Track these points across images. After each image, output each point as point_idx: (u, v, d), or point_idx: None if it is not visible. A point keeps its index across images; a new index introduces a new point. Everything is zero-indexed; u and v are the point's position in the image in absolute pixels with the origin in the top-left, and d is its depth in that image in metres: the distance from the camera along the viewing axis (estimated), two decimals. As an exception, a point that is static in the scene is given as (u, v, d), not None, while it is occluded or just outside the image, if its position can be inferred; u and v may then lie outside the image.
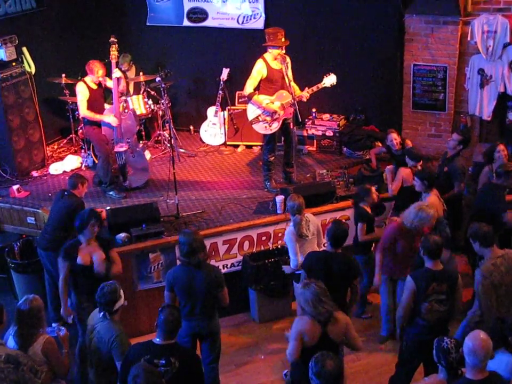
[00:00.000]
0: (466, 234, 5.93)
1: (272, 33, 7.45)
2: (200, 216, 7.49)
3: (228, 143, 9.66)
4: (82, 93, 7.79)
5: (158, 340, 4.54)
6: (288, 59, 7.55)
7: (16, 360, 4.42)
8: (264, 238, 7.39)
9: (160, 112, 9.45)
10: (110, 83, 7.93)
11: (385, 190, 7.44)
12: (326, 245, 6.06)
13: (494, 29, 7.90)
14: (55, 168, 8.93)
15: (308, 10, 9.11)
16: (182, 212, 7.50)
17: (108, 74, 7.91)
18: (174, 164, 7.47)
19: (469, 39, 8.14)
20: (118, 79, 7.85)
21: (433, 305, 5.21)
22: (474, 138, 8.53)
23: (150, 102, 9.36)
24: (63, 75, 9.23)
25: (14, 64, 8.60)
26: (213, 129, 9.72)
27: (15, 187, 8.20)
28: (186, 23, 9.87)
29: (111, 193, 8.08)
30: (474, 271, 5.62)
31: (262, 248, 7.40)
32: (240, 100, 9.64)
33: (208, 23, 9.76)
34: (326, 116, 9.28)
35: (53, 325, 6.68)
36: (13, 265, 7.54)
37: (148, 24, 10.05)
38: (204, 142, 9.85)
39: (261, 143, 8.94)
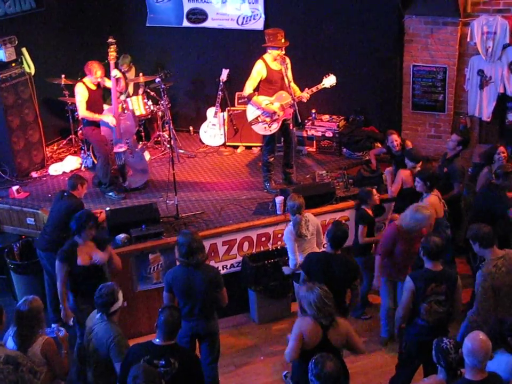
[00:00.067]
0: (465, 235, 5.93)
1: (272, 34, 7.45)
2: (200, 217, 7.49)
3: (227, 144, 9.66)
4: (81, 93, 7.79)
5: (158, 340, 4.54)
6: (287, 60, 7.55)
7: (16, 361, 4.41)
8: (263, 238, 7.39)
9: (160, 113, 9.45)
10: (109, 83, 7.92)
11: (385, 191, 7.45)
12: (325, 246, 6.06)
13: (494, 30, 7.90)
14: (55, 169, 8.93)
15: (307, 11, 9.11)
16: (182, 213, 7.50)
17: (107, 75, 7.91)
18: (174, 164, 7.47)
19: (468, 40, 8.15)
20: (117, 79, 7.85)
21: (432, 306, 5.21)
22: (474, 139, 8.53)
23: (150, 102, 9.36)
24: (63, 76, 9.23)
25: (13, 64, 8.59)
26: (212, 130, 9.72)
27: (14, 188, 8.20)
28: (186, 24, 9.87)
29: (110, 194, 8.08)
30: (473, 272, 5.63)
31: (262, 249, 7.40)
32: (239, 101, 9.64)
33: (207, 24, 9.76)
34: (326, 117, 9.28)
35: (53, 325, 6.69)
36: (12, 266, 7.53)
37: (147, 25, 10.06)
38: (203, 143, 9.85)
39: (260, 144, 8.95)
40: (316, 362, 4.11)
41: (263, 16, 9.39)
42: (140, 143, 9.16)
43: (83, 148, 9.08)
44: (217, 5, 9.62)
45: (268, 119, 7.70)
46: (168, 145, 8.14)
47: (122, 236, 6.93)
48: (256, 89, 7.68)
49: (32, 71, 8.91)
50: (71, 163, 9.07)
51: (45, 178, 8.76)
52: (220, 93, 9.50)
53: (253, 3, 9.40)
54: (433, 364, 4.38)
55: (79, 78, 8.09)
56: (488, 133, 8.72)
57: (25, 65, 8.80)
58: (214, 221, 7.40)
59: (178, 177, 7.98)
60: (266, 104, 7.64)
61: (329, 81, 7.61)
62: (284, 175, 8.25)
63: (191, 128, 10.35)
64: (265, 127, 7.75)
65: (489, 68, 8.15)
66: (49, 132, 9.61)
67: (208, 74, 9.92)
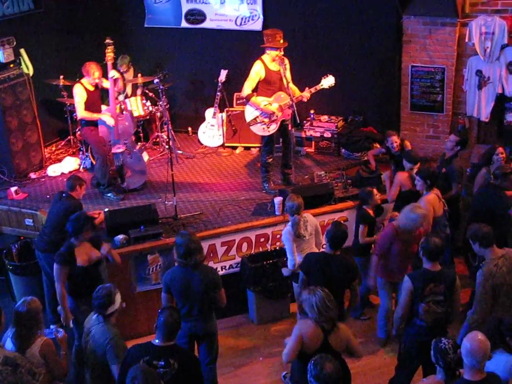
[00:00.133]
0: (464, 236, 5.93)
1: (271, 35, 7.45)
2: (199, 218, 7.49)
3: (226, 144, 9.66)
4: (79, 94, 7.79)
5: (157, 341, 4.54)
6: (286, 60, 7.55)
7: (14, 362, 4.41)
8: (262, 239, 7.39)
9: (158, 114, 9.44)
10: (106, 84, 7.93)
11: (384, 192, 7.45)
12: (325, 246, 6.06)
13: (492, 31, 7.90)
14: (53, 170, 8.92)
15: (305, 12, 9.12)
16: (180, 214, 7.50)
17: (105, 75, 7.91)
18: (172, 165, 7.47)
19: (466, 40, 8.15)
20: (115, 80, 7.85)
21: (431, 306, 5.20)
22: (472, 140, 8.54)
23: (148, 103, 9.35)
24: (61, 77, 9.22)
25: (11, 65, 8.59)
26: (211, 131, 9.71)
27: (13, 189, 8.19)
28: (184, 24, 9.88)
29: (109, 195, 8.08)
30: (472, 272, 5.63)
31: (261, 249, 7.40)
32: (238, 102, 9.64)
33: (206, 24, 9.76)
34: (324, 117, 9.29)
35: (51, 326, 6.67)
36: (11, 267, 7.53)
37: (146, 26, 10.06)
38: (202, 144, 9.84)
39: (259, 145, 8.94)
40: (315, 363, 4.10)
41: (261, 16, 9.39)
42: (139, 144, 9.16)
43: (81, 148, 9.07)
44: (216, 6, 9.62)
45: (266, 120, 7.70)
46: (167, 146, 8.14)
47: (121, 236, 6.92)
48: (255, 90, 7.67)
49: (31, 72, 8.91)
50: (69, 164, 9.06)
51: (43, 179, 8.75)
52: (219, 93, 9.50)
53: (251, 4, 9.40)
54: (432, 365, 4.39)
55: (77, 79, 8.09)
56: (487, 133, 8.72)
57: (23, 66, 8.80)
58: (212, 222, 7.40)
59: (176, 178, 7.97)
60: (265, 105, 7.64)
61: (328, 81, 7.62)
62: (282, 176, 8.25)
63: (189, 129, 10.35)
64: (263, 128, 7.75)
65: (487, 68, 8.16)
66: (48, 133, 9.60)
67: (206, 75, 9.92)
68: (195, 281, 5.37)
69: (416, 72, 8.66)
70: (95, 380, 5.05)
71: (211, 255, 7.14)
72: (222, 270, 7.23)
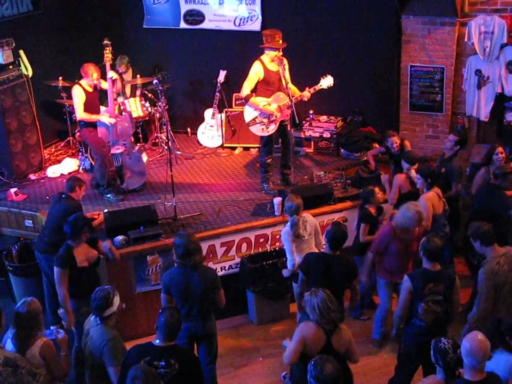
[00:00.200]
0: (464, 235, 5.93)
1: (270, 35, 7.45)
2: (198, 218, 7.49)
3: (225, 145, 9.65)
4: (78, 96, 7.79)
5: (158, 341, 4.54)
6: (285, 61, 7.55)
7: (15, 363, 4.41)
8: (262, 240, 7.39)
9: (158, 115, 9.44)
10: (105, 85, 7.94)
11: (384, 191, 7.43)
12: (324, 246, 6.05)
13: (491, 30, 7.90)
14: (53, 171, 8.93)
15: (304, 12, 9.11)
16: (180, 214, 7.50)
17: (103, 76, 7.92)
18: (172, 166, 7.47)
19: (466, 40, 8.15)
20: (113, 80, 7.85)
21: (430, 306, 5.20)
22: (471, 140, 8.54)
23: (147, 104, 9.34)
24: (60, 78, 9.22)
25: (11, 67, 8.59)
26: (210, 131, 9.71)
27: (12, 190, 8.20)
28: (183, 25, 9.87)
29: (108, 195, 8.08)
30: (472, 271, 5.63)
31: (260, 250, 7.40)
32: (237, 102, 9.64)
33: (205, 25, 9.76)
34: (324, 118, 9.28)
35: (51, 327, 6.66)
36: (11, 268, 7.52)
37: (144, 26, 10.05)
38: (201, 144, 9.84)
39: (258, 145, 8.93)
40: (315, 364, 4.09)
41: (260, 17, 9.39)
42: (138, 144, 9.15)
43: (81, 149, 9.08)
44: (215, 6, 9.62)
45: (265, 120, 7.69)
46: (166, 147, 8.13)
47: (120, 237, 6.92)
48: (254, 91, 7.67)
49: (30, 74, 8.90)
50: (69, 165, 9.06)
51: (43, 181, 8.76)
52: (218, 94, 9.50)
53: (250, 4, 9.40)
54: (432, 365, 4.38)
55: (76, 81, 8.09)
56: (486, 133, 8.72)
57: (22, 67, 8.80)
58: (212, 222, 7.40)
59: (176, 178, 7.97)
60: (264, 105, 7.64)
61: (327, 82, 7.61)
62: (281, 176, 8.25)
63: (188, 129, 10.35)
64: (262, 128, 7.75)
65: (487, 67, 8.16)
66: (47, 134, 9.61)
67: (205, 75, 9.92)
68: (194, 282, 5.36)
69: (415, 72, 8.66)
70: (94, 381, 5.04)
71: (210, 256, 7.14)
72: (221, 270, 7.23)
